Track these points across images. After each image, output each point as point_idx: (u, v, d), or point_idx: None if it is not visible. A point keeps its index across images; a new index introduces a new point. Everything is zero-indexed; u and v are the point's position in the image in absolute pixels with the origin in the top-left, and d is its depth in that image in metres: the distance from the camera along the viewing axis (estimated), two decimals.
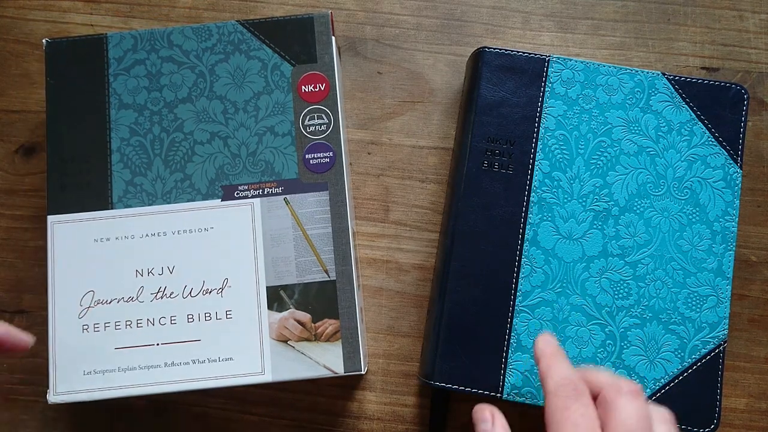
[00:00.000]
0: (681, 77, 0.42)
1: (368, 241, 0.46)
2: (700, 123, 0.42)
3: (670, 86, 0.42)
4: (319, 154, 0.41)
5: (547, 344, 0.35)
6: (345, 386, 0.45)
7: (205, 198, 0.41)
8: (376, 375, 0.45)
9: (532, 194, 0.41)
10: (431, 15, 0.48)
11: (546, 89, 0.42)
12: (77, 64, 0.42)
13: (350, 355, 0.39)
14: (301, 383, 0.45)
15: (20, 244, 0.47)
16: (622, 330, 0.40)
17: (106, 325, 0.40)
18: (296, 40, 0.42)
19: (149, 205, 0.41)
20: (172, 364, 0.39)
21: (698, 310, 0.40)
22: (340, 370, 0.39)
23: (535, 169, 0.42)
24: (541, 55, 0.43)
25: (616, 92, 0.42)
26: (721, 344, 0.40)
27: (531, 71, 0.42)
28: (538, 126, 0.42)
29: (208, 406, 0.45)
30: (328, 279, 0.40)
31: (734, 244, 0.41)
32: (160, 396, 0.45)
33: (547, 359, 0.35)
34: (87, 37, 0.43)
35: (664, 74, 0.42)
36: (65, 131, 0.42)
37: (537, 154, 0.42)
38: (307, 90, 0.42)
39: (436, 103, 0.47)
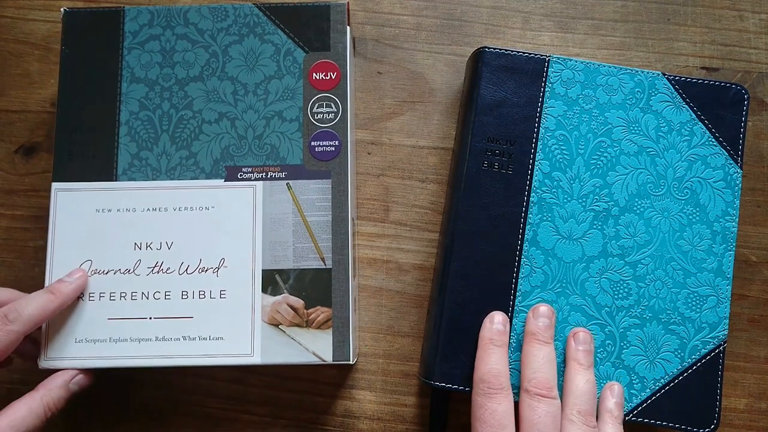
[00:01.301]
0: (681, 77, 0.42)
1: (368, 241, 0.46)
2: (700, 123, 0.42)
3: (670, 86, 0.42)
4: (324, 142, 0.41)
5: (488, 329, 0.39)
6: (345, 386, 0.45)
7: (208, 177, 0.41)
8: (376, 375, 0.45)
9: (532, 194, 0.41)
10: (431, 15, 0.48)
11: (546, 89, 0.42)
12: (93, 34, 0.43)
13: (340, 344, 0.39)
14: (301, 383, 0.45)
15: (20, 244, 0.47)
16: (622, 330, 0.40)
17: (101, 295, 0.40)
18: (311, 27, 0.43)
19: (153, 180, 0.41)
20: (163, 338, 0.39)
21: (698, 310, 0.40)
22: (328, 357, 0.39)
23: (535, 169, 0.42)
24: (541, 55, 0.43)
25: (616, 92, 0.42)
26: (721, 344, 0.40)
27: (531, 71, 0.42)
28: (538, 126, 0.42)
29: (208, 406, 0.45)
30: (324, 267, 0.40)
31: (734, 244, 0.41)
32: (161, 395, 0.45)
33: (481, 349, 0.39)
34: (105, 9, 0.43)
35: (664, 74, 0.42)
36: (76, 101, 0.42)
37: (537, 154, 0.42)
38: (318, 77, 0.42)
39: (436, 103, 0.47)
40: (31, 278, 0.46)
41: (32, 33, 0.48)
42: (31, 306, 0.37)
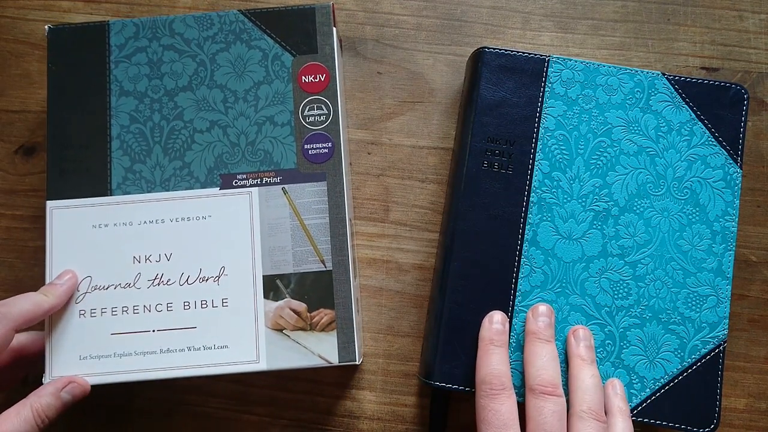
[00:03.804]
0: (681, 77, 0.42)
1: (368, 241, 0.46)
2: (700, 123, 0.42)
3: (670, 86, 0.42)
4: (317, 145, 0.42)
5: (487, 329, 0.39)
6: (345, 386, 0.45)
7: (203, 186, 0.41)
8: (376, 375, 0.45)
9: (532, 194, 0.41)
10: (431, 15, 0.48)
11: (546, 89, 0.42)
12: (79, 50, 0.43)
13: (345, 345, 0.39)
14: (301, 383, 0.45)
15: (20, 244, 0.47)
16: (622, 330, 0.40)
17: (103, 310, 0.40)
18: (297, 31, 0.43)
19: (148, 192, 0.41)
20: (168, 350, 0.39)
21: (698, 310, 0.40)
22: (334, 359, 0.39)
23: (534, 169, 0.42)
24: (541, 55, 0.43)
25: (616, 92, 0.42)
26: (720, 344, 0.40)
27: (531, 71, 0.42)
28: (538, 126, 0.42)
29: (208, 406, 0.45)
30: (325, 269, 0.40)
31: (734, 244, 0.41)
32: (161, 395, 0.45)
33: (482, 349, 0.39)
34: (89, 24, 0.43)
35: (664, 74, 0.42)
36: (66, 117, 0.42)
37: (537, 154, 0.42)
38: (307, 80, 0.42)
39: (436, 103, 0.47)
40: (31, 278, 0.46)
41: (32, 33, 0.48)
42: (24, 302, 0.37)
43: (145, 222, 0.41)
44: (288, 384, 0.45)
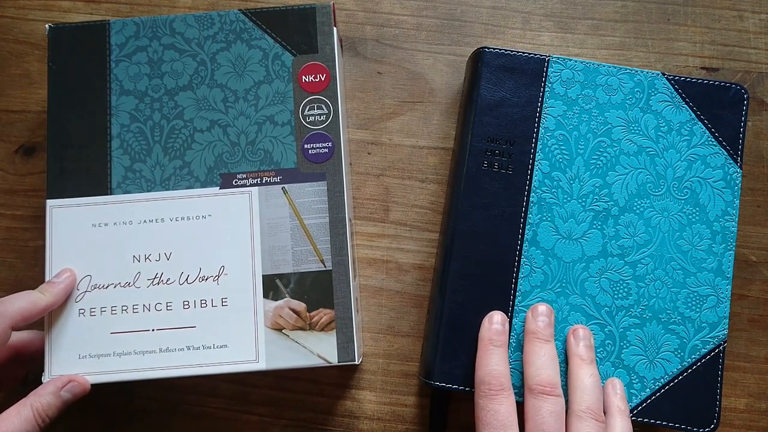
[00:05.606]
0: (681, 77, 0.42)
1: (368, 241, 0.46)
2: (700, 123, 0.42)
3: (670, 86, 0.42)
4: (317, 145, 0.42)
5: (487, 329, 0.39)
6: (345, 386, 0.45)
7: (203, 186, 0.41)
8: (376, 375, 0.45)
9: (532, 194, 0.41)
10: (431, 15, 0.48)
11: (546, 89, 0.42)
12: (79, 49, 0.43)
13: (344, 344, 0.39)
14: (301, 383, 0.45)
15: (20, 244, 0.47)
16: (622, 330, 0.40)
17: (103, 309, 0.40)
18: (298, 30, 0.43)
19: (148, 191, 0.41)
20: (167, 349, 0.39)
21: (698, 310, 0.41)
22: (333, 359, 0.39)
23: (534, 169, 0.42)
24: (541, 55, 0.43)
25: (616, 92, 0.42)
26: (720, 344, 0.40)
27: (531, 71, 0.42)
28: (538, 126, 0.42)
29: (208, 406, 0.45)
30: (324, 269, 0.40)
31: (734, 244, 0.41)
32: (161, 395, 0.45)
33: (481, 349, 0.39)
34: (89, 23, 0.43)
35: (664, 74, 0.42)
36: (66, 116, 0.42)
37: (537, 154, 0.42)
38: (307, 80, 0.42)
39: (436, 103, 0.47)
40: (31, 278, 0.46)
41: (32, 33, 0.48)
42: (20, 299, 0.37)
43: (144, 221, 0.41)
44: (288, 384, 0.45)
